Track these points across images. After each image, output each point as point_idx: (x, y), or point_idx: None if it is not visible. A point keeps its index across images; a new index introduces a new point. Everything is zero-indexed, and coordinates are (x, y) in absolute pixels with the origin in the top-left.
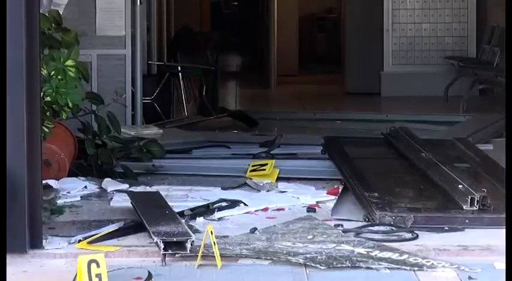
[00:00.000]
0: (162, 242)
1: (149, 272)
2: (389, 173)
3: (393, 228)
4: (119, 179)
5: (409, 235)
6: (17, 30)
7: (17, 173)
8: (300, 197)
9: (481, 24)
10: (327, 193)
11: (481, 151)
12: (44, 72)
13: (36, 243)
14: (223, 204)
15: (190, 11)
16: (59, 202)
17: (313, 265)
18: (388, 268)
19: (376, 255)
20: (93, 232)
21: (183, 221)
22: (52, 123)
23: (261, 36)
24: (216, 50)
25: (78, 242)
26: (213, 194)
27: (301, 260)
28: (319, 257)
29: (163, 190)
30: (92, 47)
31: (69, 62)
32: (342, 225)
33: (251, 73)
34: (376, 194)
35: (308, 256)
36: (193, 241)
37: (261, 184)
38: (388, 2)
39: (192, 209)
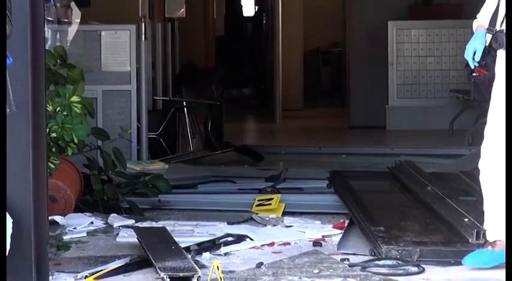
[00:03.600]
0: (169, 277)
1: None
2: (395, 207)
3: (399, 262)
4: (125, 215)
5: (415, 269)
6: (23, 67)
7: (23, 210)
8: (305, 231)
9: None
10: (333, 227)
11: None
12: (50, 108)
13: (42, 280)
14: (229, 239)
15: (195, 46)
16: (65, 237)
17: None
18: None
19: None
20: (99, 268)
21: (189, 256)
22: (58, 159)
23: (266, 70)
24: (222, 85)
25: (85, 278)
26: (219, 229)
27: None
28: None
29: (169, 225)
30: (97, 82)
31: (75, 98)
32: (348, 259)
33: (256, 108)
34: (382, 228)
35: None
36: (199, 276)
37: (267, 219)
38: (393, 35)
39: (198, 244)
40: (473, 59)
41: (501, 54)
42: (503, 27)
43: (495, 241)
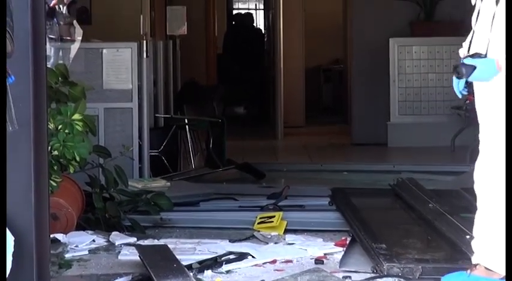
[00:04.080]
0: None
1: None
2: (396, 224)
3: (401, 279)
4: (127, 233)
5: None
6: (25, 85)
7: (24, 228)
8: (307, 249)
9: None
10: (335, 245)
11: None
12: (51, 126)
13: None
14: (231, 257)
15: (196, 63)
16: (67, 256)
17: None
18: None
19: None
20: None
21: (191, 274)
22: (59, 177)
23: (268, 88)
24: (223, 103)
25: None
26: (220, 246)
27: None
28: None
29: (171, 243)
30: (99, 100)
31: (76, 116)
32: (350, 277)
33: (258, 125)
34: (384, 246)
35: None
36: None
37: (269, 236)
38: (394, 52)
39: (200, 262)
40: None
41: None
42: (472, 51)
43: (476, 265)
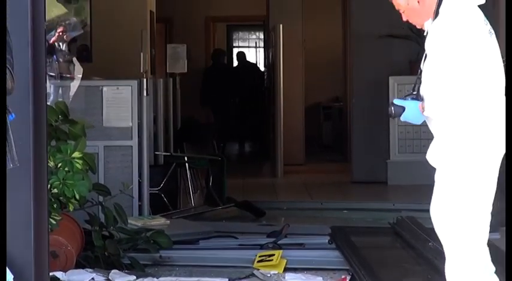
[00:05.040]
0: None
1: None
2: (396, 263)
3: None
4: (126, 271)
5: None
6: (25, 122)
7: (24, 265)
8: None
9: None
10: None
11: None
12: (51, 164)
13: None
14: None
15: (196, 101)
16: None
17: None
18: None
19: None
20: None
21: None
22: (59, 215)
23: (268, 125)
24: (223, 140)
25: None
26: None
27: None
28: None
29: None
30: (99, 138)
31: (76, 154)
32: None
33: (258, 163)
34: None
35: None
36: None
37: (269, 275)
38: (394, 90)
39: None
40: None
41: None
42: (416, 91)
43: None
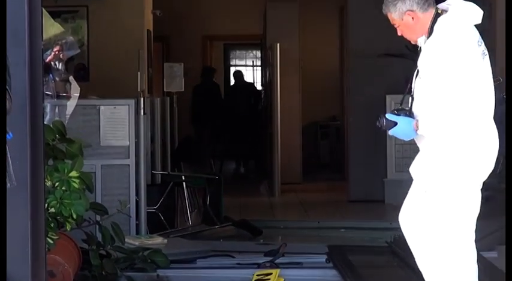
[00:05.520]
0: None
1: None
2: None
3: None
4: None
5: None
6: (22, 142)
7: None
8: None
9: None
10: None
11: (485, 258)
12: (48, 183)
13: None
14: None
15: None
16: None
17: None
18: None
19: None
20: None
21: None
22: (56, 235)
23: (265, 145)
24: (220, 159)
25: None
26: None
27: None
28: None
29: None
30: (96, 157)
31: (73, 173)
32: None
33: (255, 182)
34: None
35: None
36: None
37: None
38: (391, 109)
39: None
40: None
41: None
42: (409, 108)
43: None
